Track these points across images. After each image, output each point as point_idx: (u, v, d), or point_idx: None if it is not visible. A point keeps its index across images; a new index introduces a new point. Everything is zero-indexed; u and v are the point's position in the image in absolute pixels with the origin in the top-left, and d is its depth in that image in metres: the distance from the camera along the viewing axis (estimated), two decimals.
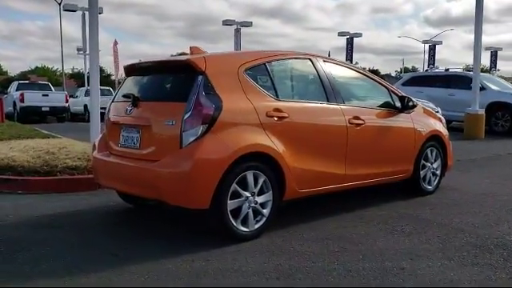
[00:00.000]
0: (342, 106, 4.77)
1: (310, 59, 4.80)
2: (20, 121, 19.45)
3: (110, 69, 66.48)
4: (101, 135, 4.90)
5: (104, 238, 4.15)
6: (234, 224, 3.90)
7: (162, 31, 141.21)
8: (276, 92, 4.32)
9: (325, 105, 4.68)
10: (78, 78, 62.19)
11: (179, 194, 3.76)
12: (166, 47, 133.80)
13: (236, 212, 3.92)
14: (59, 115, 22.64)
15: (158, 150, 3.94)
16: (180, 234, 4.23)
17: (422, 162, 5.73)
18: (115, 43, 28.72)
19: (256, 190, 4.02)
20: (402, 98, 5.44)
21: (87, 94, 25.08)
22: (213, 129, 3.80)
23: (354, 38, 39.36)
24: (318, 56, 4.92)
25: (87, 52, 31.48)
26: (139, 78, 4.65)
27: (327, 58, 5.00)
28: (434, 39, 50.01)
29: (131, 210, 5.15)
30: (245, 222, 3.98)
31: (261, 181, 4.05)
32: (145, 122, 4.08)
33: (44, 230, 4.35)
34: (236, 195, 3.91)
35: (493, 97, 14.05)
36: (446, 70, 16.40)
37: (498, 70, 52.55)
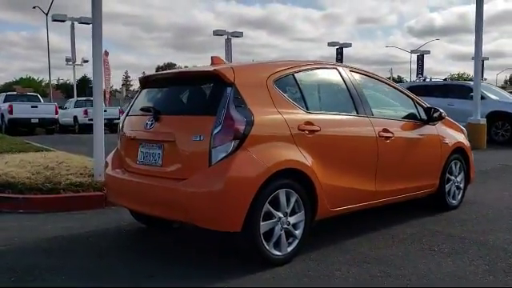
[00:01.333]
0: (371, 118, 4.52)
1: (336, 69, 4.54)
2: (8, 133, 18.95)
3: None
4: (114, 151, 4.56)
5: (122, 263, 3.81)
6: (267, 247, 3.60)
7: (148, 42, 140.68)
8: (306, 104, 4.04)
9: (355, 117, 4.42)
10: (65, 89, 61.53)
11: (209, 215, 3.45)
12: (153, 58, 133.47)
13: (268, 234, 3.62)
14: (48, 127, 22.16)
15: (184, 167, 3.63)
16: (204, 258, 3.90)
17: (447, 175, 5.49)
18: (105, 54, 28.38)
19: (288, 210, 3.73)
20: (428, 109, 5.21)
21: (77, 105, 24.69)
22: (244, 144, 3.50)
23: (344, 48, 39.63)
24: (345, 66, 4.67)
25: (76, 62, 31.23)
26: (158, 91, 4.34)
27: (353, 68, 4.74)
28: (421, 49, 50.46)
29: (145, 230, 4.82)
30: (277, 245, 3.68)
31: (293, 200, 3.76)
32: (168, 138, 3.77)
33: (56, 254, 4.00)
34: (268, 216, 3.61)
35: (493, 106, 13.96)
36: (445, 79, 16.33)
37: (485, 80, 53.06)
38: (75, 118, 23.42)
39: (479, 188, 6.86)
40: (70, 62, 30.43)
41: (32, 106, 21.44)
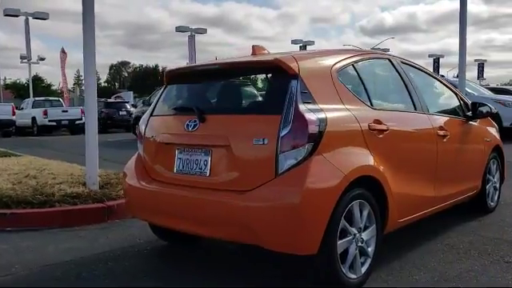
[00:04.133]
0: (428, 115, 4.04)
1: (388, 59, 4.02)
2: None
3: (50, 79, 63.04)
4: (134, 158, 3.85)
5: None
6: (344, 271, 3.02)
7: (101, 40, 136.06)
8: (369, 99, 3.49)
9: (415, 114, 3.92)
10: (15, 89, 58.59)
11: (282, 236, 2.83)
12: (105, 56, 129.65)
13: (343, 255, 3.05)
14: (5, 129, 20.69)
15: (242, 177, 3.00)
16: (256, 282, 3.29)
17: (487, 175, 5.09)
18: (62, 51, 26.98)
19: (362, 225, 3.17)
20: (473, 105, 4.77)
21: (35, 105, 23.29)
22: (319, 149, 2.90)
23: (307, 46, 39.54)
24: (396, 56, 4.15)
25: (32, 60, 29.50)
26: (194, 86, 3.66)
27: (404, 59, 4.23)
28: (378, 47, 51.11)
29: (168, 247, 4.15)
30: (351, 267, 3.11)
31: (365, 213, 3.20)
32: (220, 142, 3.11)
33: (74, 285, 3.27)
34: (344, 234, 3.03)
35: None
36: None
37: (442, 76, 54.36)
38: (33, 119, 22.04)
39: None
40: (25, 60, 28.63)
41: None
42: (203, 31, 31.72)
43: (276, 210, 2.81)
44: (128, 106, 24.06)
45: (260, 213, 2.84)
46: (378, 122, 3.36)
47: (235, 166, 3.03)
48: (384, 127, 3.39)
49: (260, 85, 3.36)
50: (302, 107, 2.92)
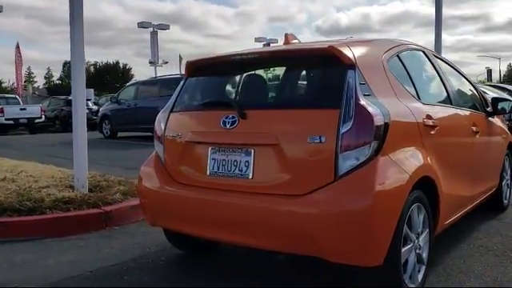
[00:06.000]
0: (463, 111, 3.82)
1: (423, 51, 3.77)
2: None
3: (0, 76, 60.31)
4: (151, 159, 3.43)
5: None
6: (405, 281, 2.74)
7: (52, 36, 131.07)
8: (417, 92, 3.23)
9: (454, 109, 3.70)
10: None
11: (347, 246, 2.51)
12: (58, 53, 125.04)
13: (404, 264, 2.77)
14: None
15: (294, 180, 2.65)
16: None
17: (502, 173, 4.95)
18: (18, 46, 25.69)
19: (420, 230, 2.90)
20: (494, 100, 4.59)
21: None
22: (384, 147, 2.60)
23: (271, 44, 39.41)
24: (428, 49, 3.91)
25: None
26: (228, 78, 3.29)
27: (434, 52, 4.00)
28: None
29: (186, 256, 3.76)
30: (411, 276, 2.84)
31: (421, 217, 2.93)
32: (266, 140, 2.74)
33: None
34: (405, 241, 2.75)
35: None
36: None
37: None
38: None
39: None
40: None
41: None
42: (166, 27, 30.91)
43: (342, 216, 2.49)
44: (90, 104, 23.09)
45: (322, 220, 2.51)
46: (429, 117, 3.10)
47: (285, 168, 2.68)
48: (435, 123, 3.14)
49: (313, 75, 3.00)
50: (363, 100, 2.61)
